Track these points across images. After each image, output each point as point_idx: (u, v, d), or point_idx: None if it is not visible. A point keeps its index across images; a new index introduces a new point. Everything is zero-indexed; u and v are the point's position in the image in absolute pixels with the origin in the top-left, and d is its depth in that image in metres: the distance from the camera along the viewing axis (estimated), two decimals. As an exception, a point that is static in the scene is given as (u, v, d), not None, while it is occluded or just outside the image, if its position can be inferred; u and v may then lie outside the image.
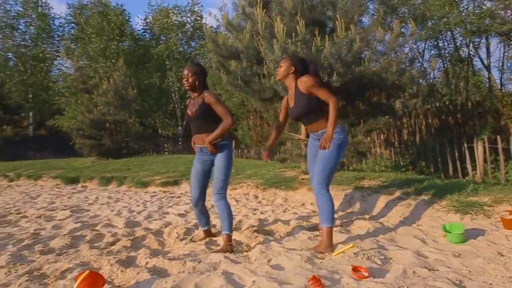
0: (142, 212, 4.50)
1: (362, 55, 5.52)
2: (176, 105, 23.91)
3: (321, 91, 2.63)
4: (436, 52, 9.20)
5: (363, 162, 8.52)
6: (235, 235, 3.10)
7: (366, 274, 2.03)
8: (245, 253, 2.59)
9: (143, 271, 2.23)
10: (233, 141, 2.76)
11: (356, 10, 5.17)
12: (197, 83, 2.73)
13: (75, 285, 1.89)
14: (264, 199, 4.99)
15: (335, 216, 3.69)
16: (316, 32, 4.84)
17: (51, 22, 24.84)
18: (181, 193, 6.09)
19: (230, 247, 2.63)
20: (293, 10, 5.01)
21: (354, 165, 6.45)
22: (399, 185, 4.34)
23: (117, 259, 2.46)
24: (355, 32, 4.61)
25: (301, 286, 1.89)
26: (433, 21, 7.25)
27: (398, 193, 3.96)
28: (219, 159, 2.75)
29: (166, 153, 17.98)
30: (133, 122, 12.92)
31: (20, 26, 23.77)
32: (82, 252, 2.77)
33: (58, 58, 24.25)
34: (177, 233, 3.28)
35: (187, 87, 2.77)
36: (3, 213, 4.73)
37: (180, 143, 22.02)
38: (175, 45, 23.82)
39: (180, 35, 24.91)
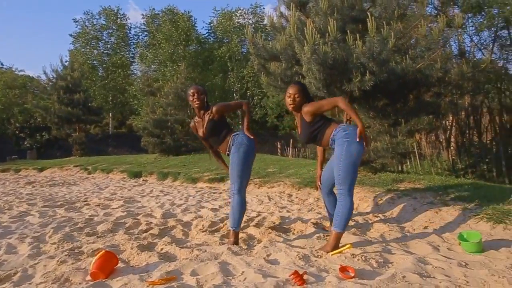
0: (182, 205, 4.91)
1: (405, 51, 5.24)
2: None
3: (322, 104, 2.70)
4: (505, 42, 8.13)
5: (417, 162, 8.00)
6: (252, 231, 3.27)
7: (352, 275, 2.06)
8: (250, 248, 2.75)
9: (154, 255, 2.54)
10: (255, 139, 2.87)
11: (395, 6, 4.93)
12: (205, 101, 3.02)
13: (93, 260, 2.25)
14: (297, 197, 5.07)
15: (360, 217, 3.65)
16: (349, 31, 4.73)
17: (128, 31, 27.68)
18: (223, 190, 6.43)
19: (232, 242, 2.81)
20: (328, 10, 4.97)
21: (404, 167, 6.13)
22: (436, 189, 4.10)
23: (139, 244, 2.82)
24: (387, 31, 4.41)
25: (283, 280, 2.01)
26: (497, 9, 6.48)
27: (430, 198, 3.75)
28: (231, 156, 2.93)
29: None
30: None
31: (103, 37, 26.94)
32: (117, 236, 3.20)
33: (134, 64, 26.93)
34: (202, 225, 3.57)
35: (197, 106, 3.00)
36: (73, 200, 5.56)
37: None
38: (236, 46, 24.65)
39: (242, 36, 25.73)
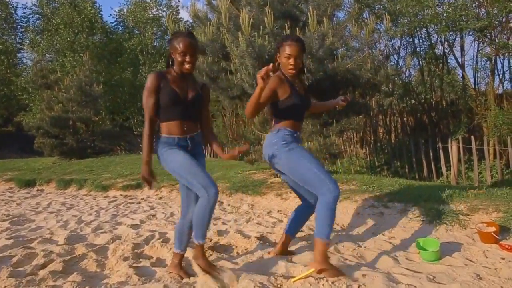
0: (92, 222, 4.03)
1: (336, 51, 5.24)
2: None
3: None
4: (412, 49, 9.08)
5: (338, 161, 8.29)
6: (187, 253, 2.72)
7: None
8: (192, 279, 2.21)
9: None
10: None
11: (329, 3, 4.86)
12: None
13: None
14: (229, 205, 4.63)
15: (304, 226, 3.38)
16: (287, 26, 4.50)
17: (13, 12, 23.41)
18: (142, 198, 5.63)
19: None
20: (261, 1, 4.64)
21: (328, 166, 6.17)
22: (372, 190, 4.08)
23: (33, 292, 2.03)
24: (328, 25, 4.29)
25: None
26: (407, 18, 7.08)
27: (370, 200, 3.69)
28: (201, 156, 2.36)
29: (141, 152, 17.30)
30: (102, 120, 12.23)
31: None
32: (-3, 281, 2.31)
33: (22, 51, 22.90)
34: (122, 250, 2.86)
35: (188, 68, 2.09)
36: None
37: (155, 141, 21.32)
38: (149, 39, 22.99)
39: (155, 29, 24.08)
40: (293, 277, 2.09)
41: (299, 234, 3.05)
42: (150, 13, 24.18)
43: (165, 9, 25.09)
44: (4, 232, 3.65)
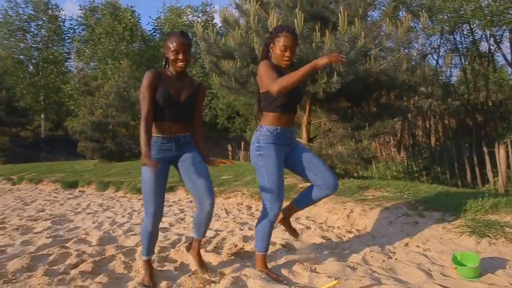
0: (124, 224, 4.16)
1: (369, 52, 5.04)
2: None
3: None
4: (453, 47, 8.51)
5: (373, 166, 7.98)
6: (211, 258, 2.71)
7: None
8: (213, 285, 2.19)
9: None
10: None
11: (361, 3, 4.69)
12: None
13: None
14: (257, 210, 4.58)
15: (331, 233, 3.26)
16: (317, 27, 4.40)
17: (62, 24, 25.13)
18: (174, 201, 5.74)
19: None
20: (290, 3, 4.58)
21: (361, 172, 5.95)
22: (406, 196, 3.87)
23: (62, 292, 2.11)
24: (359, 26, 4.13)
25: None
26: (447, 15, 6.64)
27: (404, 208, 3.48)
28: (202, 162, 2.34)
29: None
30: (139, 124, 12.66)
31: (31, 29, 24.13)
32: (33, 279, 2.42)
33: (69, 60, 24.50)
34: (149, 253, 2.90)
35: (182, 67, 2.10)
36: (-15, 223, 4.49)
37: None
38: (185, 45, 23.65)
39: (190, 35, 24.73)
40: (315, 288, 2.00)
41: (325, 243, 2.95)
42: (185, 19, 24.88)
43: (200, 15, 25.73)
44: (45, 231, 3.88)
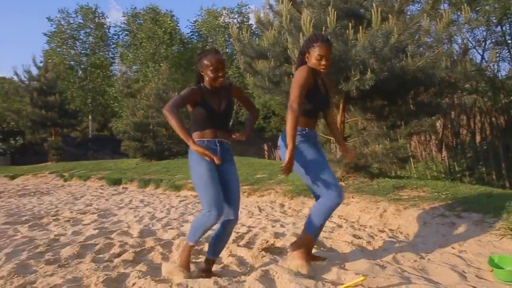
0: (163, 219, 4.40)
1: (406, 49, 4.90)
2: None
3: None
4: (501, 39, 7.92)
5: (412, 165, 7.70)
6: (243, 253, 2.82)
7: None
8: (243, 277, 2.29)
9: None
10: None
11: (395, -1, 4.58)
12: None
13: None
14: (290, 208, 4.63)
15: (362, 232, 3.24)
16: (350, 25, 4.36)
17: (107, 30, 26.70)
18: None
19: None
20: (323, 1, 4.57)
21: (398, 172, 5.78)
22: (444, 197, 3.73)
23: (106, 277, 2.31)
24: (393, 22, 4.04)
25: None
26: (492, 5, 6.21)
27: (441, 208, 3.37)
28: (232, 167, 2.43)
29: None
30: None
31: (80, 36, 25.91)
32: (82, 265, 2.67)
33: (114, 64, 25.97)
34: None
35: (222, 82, 2.23)
36: (42, 214, 4.95)
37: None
38: (221, 46, 24.14)
39: (226, 36, 25.21)
40: (342, 284, 2.03)
41: (356, 242, 2.94)
42: (222, 21, 25.36)
43: (236, 16, 26.12)
44: (93, 223, 4.21)
